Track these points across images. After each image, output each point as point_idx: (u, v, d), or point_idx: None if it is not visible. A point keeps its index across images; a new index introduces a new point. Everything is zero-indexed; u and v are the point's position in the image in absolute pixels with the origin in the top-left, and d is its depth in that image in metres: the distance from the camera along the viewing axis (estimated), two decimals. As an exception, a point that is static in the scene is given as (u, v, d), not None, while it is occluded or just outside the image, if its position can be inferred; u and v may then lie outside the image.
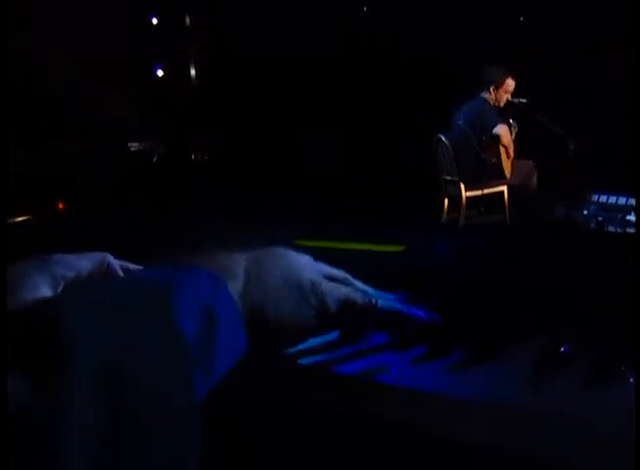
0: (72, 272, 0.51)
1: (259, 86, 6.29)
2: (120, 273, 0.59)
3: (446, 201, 5.09)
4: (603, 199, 4.42)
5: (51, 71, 5.54)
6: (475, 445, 0.54)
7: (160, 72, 6.78)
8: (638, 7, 4.27)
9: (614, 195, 4.38)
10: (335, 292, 0.58)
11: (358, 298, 0.59)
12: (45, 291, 0.50)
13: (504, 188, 4.95)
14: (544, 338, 0.63)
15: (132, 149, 5.96)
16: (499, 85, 4.96)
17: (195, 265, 0.52)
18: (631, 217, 4.24)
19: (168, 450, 0.42)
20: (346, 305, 0.58)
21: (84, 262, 0.53)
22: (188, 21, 6.62)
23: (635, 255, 0.73)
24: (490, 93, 5.00)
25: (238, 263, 0.54)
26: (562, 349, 0.60)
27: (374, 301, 0.59)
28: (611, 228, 4.30)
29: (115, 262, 0.59)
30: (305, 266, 0.58)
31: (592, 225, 4.36)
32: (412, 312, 0.61)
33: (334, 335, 0.65)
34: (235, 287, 0.52)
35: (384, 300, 0.60)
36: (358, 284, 0.61)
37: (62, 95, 5.46)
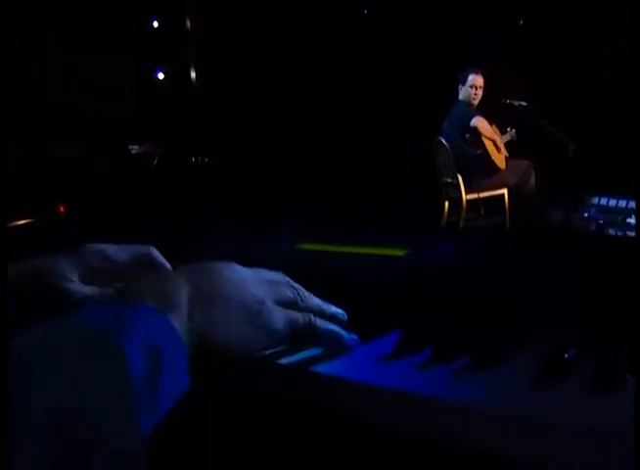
0: (108, 264, 0.51)
1: (260, 87, 6.29)
2: (168, 266, 0.59)
3: (447, 204, 5.10)
4: (603, 201, 4.43)
5: (51, 73, 5.55)
6: (477, 450, 0.54)
7: (160, 74, 6.78)
8: (638, 7, 4.28)
9: (614, 197, 4.38)
10: (278, 311, 0.58)
11: (298, 318, 0.59)
12: (74, 280, 0.50)
13: (504, 191, 4.96)
14: (548, 343, 0.63)
15: (133, 151, 5.96)
16: (464, 83, 5.05)
17: (139, 293, 0.52)
18: (632, 220, 4.24)
19: None
20: (290, 323, 0.59)
21: (123, 254, 0.53)
22: (189, 22, 6.62)
23: (636, 257, 0.73)
24: (462, 93, 5.08)
25: (180, 293, 0.53)
26: (566, 354, 0.60)
27: (312, 320, 0.60)
28: (611, 231, 4.30)
29: (161, 257, 0.59)
30: (248, 282, 0.58)
31: (592, 228, 4.36)
32: (342, 334, 0.63)
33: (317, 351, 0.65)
34: (179, 317, 0.52)
35: (319, 319, 0.61)
36: (298, 288, 0.62)
37: (62, 97, 5.46)
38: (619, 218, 4.32)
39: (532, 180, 5.04)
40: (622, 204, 4.34)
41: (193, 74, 6.68)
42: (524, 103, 5.00)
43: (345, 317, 0.66)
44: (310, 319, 0.60)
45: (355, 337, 0.64)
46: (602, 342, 0.62)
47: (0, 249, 0.50)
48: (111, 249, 0.57)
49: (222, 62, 6.46)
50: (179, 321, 0.51)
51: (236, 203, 4.84)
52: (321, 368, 0.60)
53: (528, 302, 0.70)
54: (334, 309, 0.65)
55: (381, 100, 5.89)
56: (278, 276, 0.62)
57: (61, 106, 5.33)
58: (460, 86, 5.07)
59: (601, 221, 4.37)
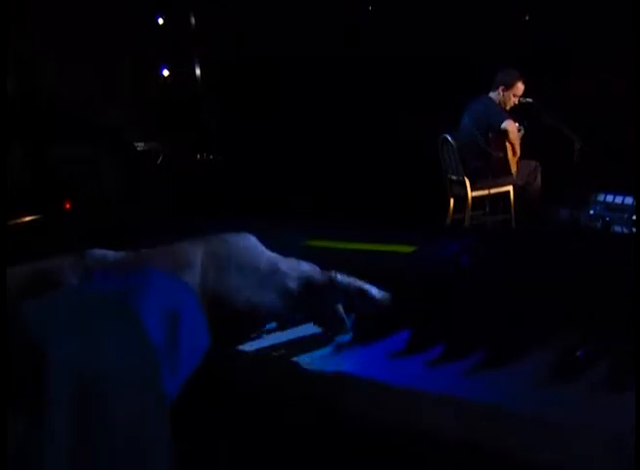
0: (112, 268, 0.51)
1: (265, 83, 6.29)
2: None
3: (452, 201, 5.09)
4: (609, 199, 4.41)
5: (56, 71, 5.55)
6: (488, 449, 0.53)
7: (165, 71, 6.78)
8: (638, 7, 4.27)
9: (620, 195, 4.37)
10: (294, 271, 0.57)
11: (317, 274, 0.58)
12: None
13: (510, 188, 4.95)
14: (560, 342, 0.62)
15: (138, 148, 5.97)
16: (509, 87, 4.97)
17: (153, 259, 0.52)
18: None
19: (138, 456, 0.41)
20: (307, 282, 0.58)
21: (126, 260, 0.53)
22: (193, 19, 6.62)
23: (636, 255, 0.73)
24: (499, 94, 5.00)
25: (194, 255, 0.53)
26: (578, 353, 0.60)
27: (333, 275, 0.59)
28: (617, 228, 4.29)
29: None
30: (264, 251, 0.57)
31: (598, 225, 4.35)
32: (368, 288, 0.61)
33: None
34: (193, 279, 0.52)
35: (342, 275, 0.60)
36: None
37: (67, 94, 5.47)
38: (625, 216, 4.31)
39: (539, 180, 5.02)
40: (629, 201, 4.32)
41: (198, 71, 6.68)
42: (529, 100, 4.98)
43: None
44: (330, 274, 0.59)
45: (384, 293, 0.61)
46: (614, 340, 0.62)
47: (0, 249, 0.50)
48: (113, 255, 0.57)
49: (227, 58, 6.46)
50: (192, 283, 0.51)
51: (241, 200, 4.84)
52: (332, 366, 0.60)
53: (540, 300, 0.69)
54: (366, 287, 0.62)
55: (384, 98, 5.88)
56: (307, 264, 0.60)
57: (66, 103, 5.34)
58: (501, 88, 4.97)
59: (607, 218, 4.35)
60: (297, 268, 0.58)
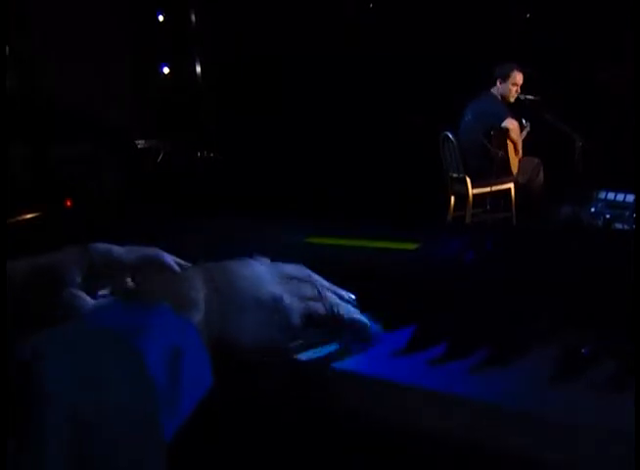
0: (114, 265, 0.51)
1: (264, 85, 6.28)
2: (177, 269, 0.59)
3: (452, 198, 5.09)
4: (611, 196, 4.41)
5: (56, 70, 5.55)
6: (490, 447, 0.53)
7: (165, 69, 6.77)
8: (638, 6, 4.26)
9: (622, 192, 4.36)
10: (297, 305, 0.57)
11: (320, 309, 0.59)
12: (78, 291, 0.50)
13: (511, 185, 4.94)
14: (565, 339, 0.62)
15: (138, 146, 5.96)
16: (506, 78, 4.95)
17: (155, 295, 0.51)
18: (639, 215, 4.22)
19: None
20: (310, 317, 0.58)
21: (129, 256, 0.53)
22: (194, 17, 6.61)
23: (636, 253, 0.72)
24: (498, 88, 4.98)
25: (197, 292, 0.53)
26: (581, 351, 0.59)
27: (335, 310, 0.59)
28: (618, 226, 4.28)
29: (170, 258, 0.58)
30: (265, 279, 0.57)
31: (599, 223, 4.35)
32: (366, 323, 0.62)
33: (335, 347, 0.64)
34: (197, 318, 0.51)
35: (343, 308, 0.60)
36: (318, 281, 0.61)
37: (68, 93, 5.46)
38: (627, 213, 4.30)
39: (541, 177, 5.01)
40: (630, 199, 4.31)
41: (198, 69, 6.67)
42: (530, 96, 4.97)
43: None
44: (333, 309, 0.59)
45: (379, 326, 0.63)
46: (618, 339, 0.61)
47: (0, 249, 0.49)
48: (117, 250, 0.57)
49: (227, 57, 6.45)
50: (196, 322, 0.51)
51: (241, 199, 4.84)
52: (336, 364, 0.60)
53: (543, 298, 0.69)
54: (349, 296, 0.64)
55: (384, 96, 5.87)
56: (297, 269, 0.61)
57: (67, 102, 5.34)
58: (499, 81, 4.95)
59: (608, 216, 4.35)
60: (300, 298, 0.58)
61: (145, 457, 0.42)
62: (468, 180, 4.91)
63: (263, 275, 0.57)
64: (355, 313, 0.61)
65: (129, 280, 0.57)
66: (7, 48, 4.62)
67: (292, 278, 0.59)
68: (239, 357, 0.54)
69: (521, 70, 4.93)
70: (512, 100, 4.98)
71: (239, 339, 0.54)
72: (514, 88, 4.94)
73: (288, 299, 0.57)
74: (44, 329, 0.43)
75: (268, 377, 0.59)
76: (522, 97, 4.99)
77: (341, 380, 0.59)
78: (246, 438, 0.61)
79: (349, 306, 0.61)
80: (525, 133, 5.09)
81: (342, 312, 0.60)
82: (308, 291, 0.59)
